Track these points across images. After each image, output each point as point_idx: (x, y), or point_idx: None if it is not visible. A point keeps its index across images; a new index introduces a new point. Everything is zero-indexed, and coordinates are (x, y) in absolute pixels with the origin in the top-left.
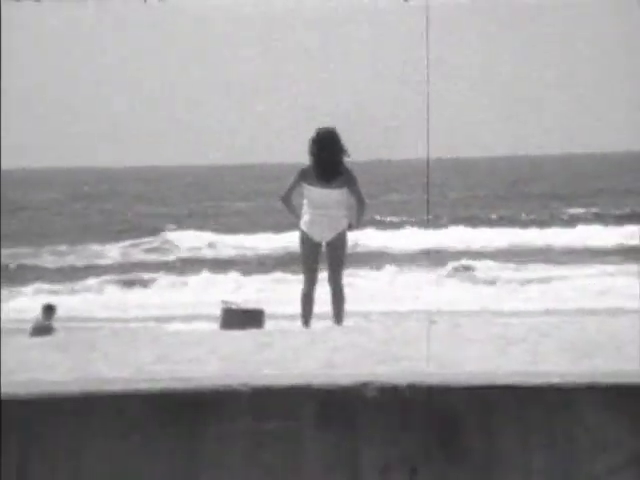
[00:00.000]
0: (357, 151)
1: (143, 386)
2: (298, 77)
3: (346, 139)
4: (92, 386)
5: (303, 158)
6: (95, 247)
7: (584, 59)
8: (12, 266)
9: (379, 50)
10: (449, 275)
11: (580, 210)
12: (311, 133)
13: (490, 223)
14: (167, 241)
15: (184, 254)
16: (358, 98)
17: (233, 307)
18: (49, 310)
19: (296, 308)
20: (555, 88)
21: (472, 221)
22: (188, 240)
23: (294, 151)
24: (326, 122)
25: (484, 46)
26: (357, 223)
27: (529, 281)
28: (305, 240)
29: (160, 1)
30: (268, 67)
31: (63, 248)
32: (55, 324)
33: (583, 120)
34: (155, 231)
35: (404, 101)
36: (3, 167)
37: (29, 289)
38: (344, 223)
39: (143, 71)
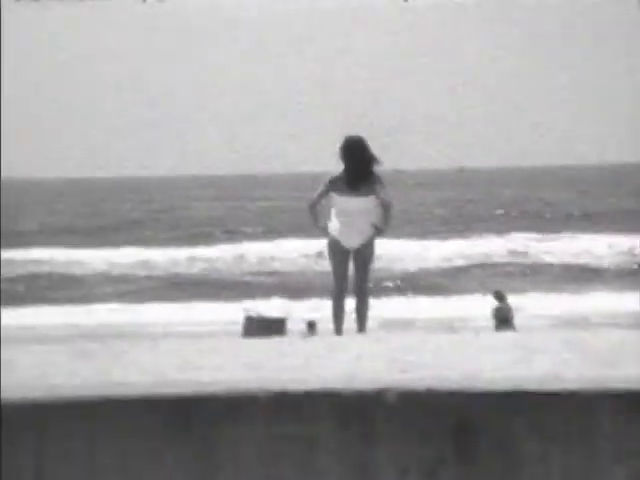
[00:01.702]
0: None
1: (160, 391)
2: (297, 78)
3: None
4: (111, 391)
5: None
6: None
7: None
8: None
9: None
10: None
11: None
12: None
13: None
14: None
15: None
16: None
17: (254, 315)
18: None
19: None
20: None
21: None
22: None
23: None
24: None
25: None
26: (385, 226)
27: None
28: (334, 247)
29: (159, 1)
30: (266, 68)
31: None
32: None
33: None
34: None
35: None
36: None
37: None
38: (371, 230)
39: (142, 72)
